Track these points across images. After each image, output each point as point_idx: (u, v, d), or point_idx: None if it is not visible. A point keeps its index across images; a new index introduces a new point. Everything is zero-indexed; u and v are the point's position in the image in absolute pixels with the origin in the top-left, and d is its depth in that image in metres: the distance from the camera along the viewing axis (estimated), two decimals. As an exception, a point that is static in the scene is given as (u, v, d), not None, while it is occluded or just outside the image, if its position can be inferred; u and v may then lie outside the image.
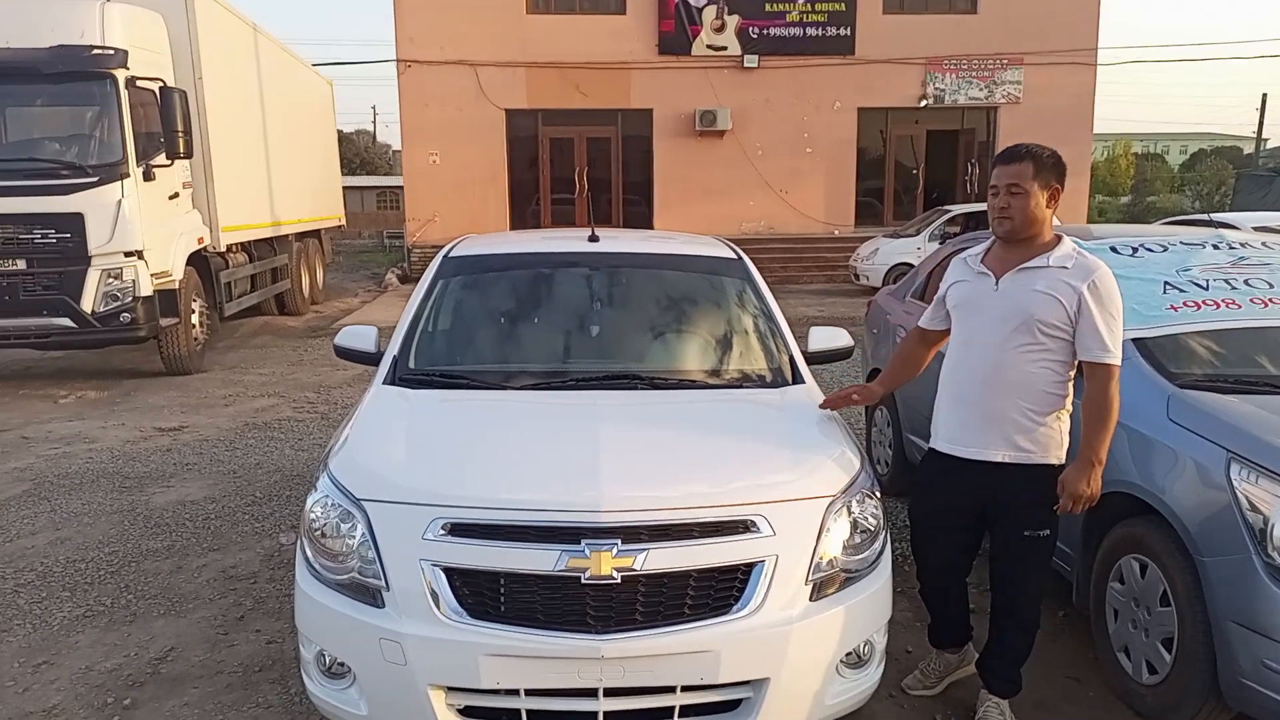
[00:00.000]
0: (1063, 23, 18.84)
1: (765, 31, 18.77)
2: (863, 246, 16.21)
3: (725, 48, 18.74)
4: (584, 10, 18.72)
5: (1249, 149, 42.12)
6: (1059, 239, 2.82)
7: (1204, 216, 6.60)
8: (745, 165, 19.06)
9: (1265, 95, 41.00)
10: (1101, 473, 2.74)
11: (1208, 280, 3.65)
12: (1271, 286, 3.61)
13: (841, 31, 18.83)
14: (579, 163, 19.19)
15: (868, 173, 19.93)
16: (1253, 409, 2.98)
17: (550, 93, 18.54)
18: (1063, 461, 2.85)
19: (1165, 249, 3.86)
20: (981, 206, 13.15)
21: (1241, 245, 3.93)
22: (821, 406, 3.23)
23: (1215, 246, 3.88)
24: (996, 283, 2.83)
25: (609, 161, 19.44)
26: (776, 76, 18.82)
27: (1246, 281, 3.64)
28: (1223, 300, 3.54)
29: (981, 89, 19.34)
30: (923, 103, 19.32)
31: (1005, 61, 19.17)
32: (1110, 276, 2.75)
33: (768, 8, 18.72)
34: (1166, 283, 3.62)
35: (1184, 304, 3.52)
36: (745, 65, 18.75)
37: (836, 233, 19.12)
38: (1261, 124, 39.61)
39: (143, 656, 3.58)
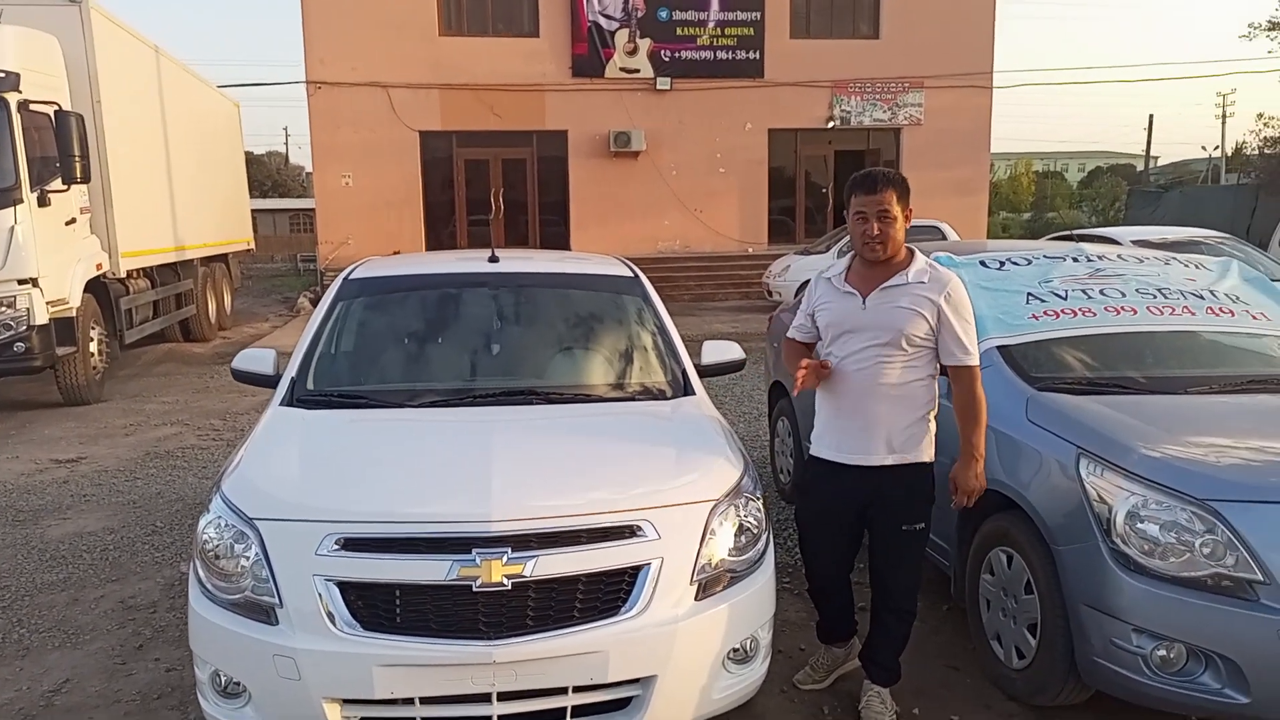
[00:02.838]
0: (960, 48, 19.67)
1: (677, 55, 19.15)
2: (775, 264, 16.57)
3: (638, 70, 19.05)
4: (497, 32, 18.82)
5: (1142, 166, 44.38)
6: (911, 254, 3.04)
7: (1065, 233, 7.07)
8: (660, 185, 19.35)
9: (1151, 116, 43.64)
10: (984, 465, 2.98)
11: (1067, 291, 3.92)
12: (1124, 296, 3.90)
13: (750, 55, 19.33)
14: (494, 184, 19.22)
15: (779, 192, 20.43)
16: (1101, 408, 3.24)
17: (464, 114, 18.55)
18: (933, 459, 3.06)
19: (1030, 262, 4.14)
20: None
21: (1099, 258, 4.23)
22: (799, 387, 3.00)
23: (1075, 260, 4.18)
24: (864, 301, 3.01)
25: (525, 183, 19.51)
26: (689, 98, 19.19)
27: (1102, 291, 3.92)
28: (1080, 309, 3.81)
29: (885, 111, 20.05)
30: (830, 124, 19.93)
31: (907, 85, 19.91)
32: (961, 286, 2.99)
33: (679, 31, 19.11)
34: (1029, 294, 3.89)
35: (1045, 313, 3.79)
36: (658, 87, 19.07)
37: (750, 250, 19.53)
38: (1149, 143, 41.86)
39: (36, 690, 3.51)
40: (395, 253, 17.52)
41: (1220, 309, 3.87)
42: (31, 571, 4.73)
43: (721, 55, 19.28)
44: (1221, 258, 4.54)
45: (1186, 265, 4.26)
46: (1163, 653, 2.79)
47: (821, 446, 3.18)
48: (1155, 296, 3.89)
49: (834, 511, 3.17)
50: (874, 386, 3.00)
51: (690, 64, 19.16)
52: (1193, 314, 3.83)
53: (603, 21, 18.82)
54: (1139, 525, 2.84)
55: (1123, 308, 3.82)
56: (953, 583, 3.71)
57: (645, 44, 18.98)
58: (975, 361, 2.97)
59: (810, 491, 3.30)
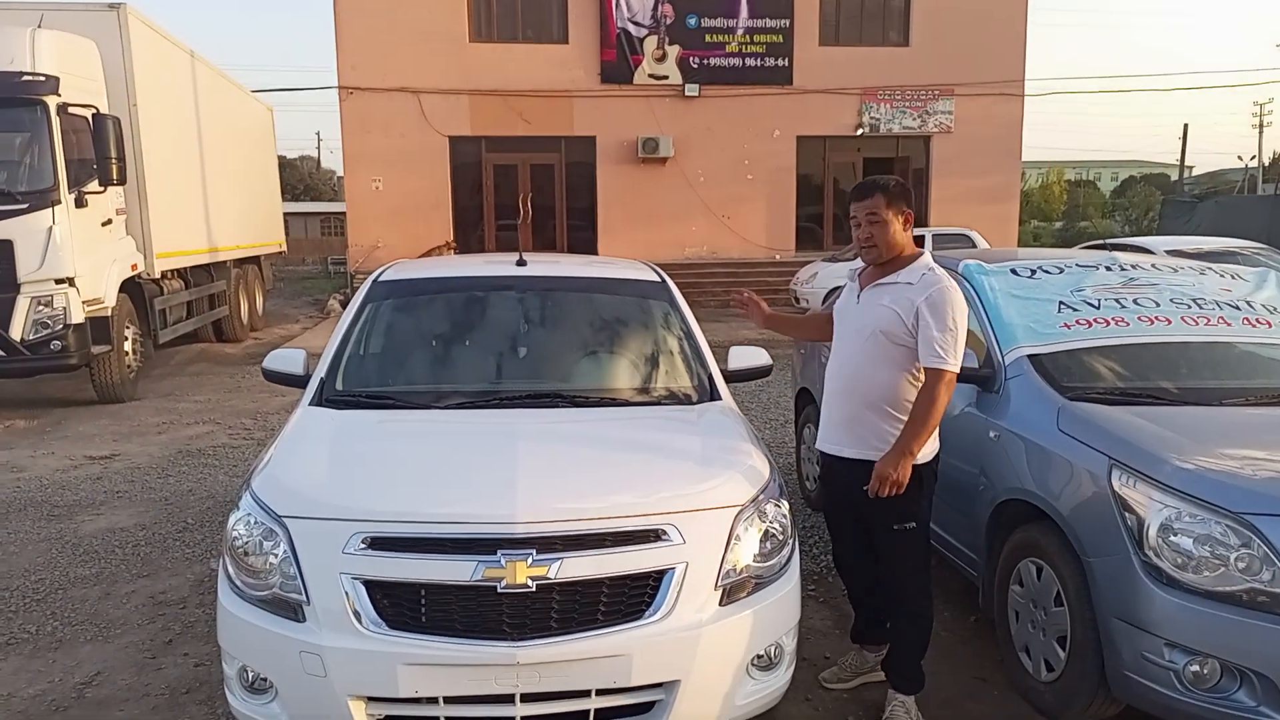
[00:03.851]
0: (991, 55, 19.51)
1: (705, 61, 19.15)
2: (803, 270, 16.49)
3: (667, 77, 19.07)
4: (527, 39, 18.92)
5: (1176, 176, 43.79)
6: (917, 255, 3.05)
7: (1099, 242, 6.98)
8: (688, 191, 19.35)
9: (1186, 126, 42.84)
10: (911, 463, 2.90)
11: (1100, 300, 3.87)
12: (1158, 305, 3.85)
13: (779, 62, 19.30)
14: (523, 189, 19.30)
15: (807, 198, 20.35)
16: (1133, 419, 3.19)
17: (494, 120, 18.66)
18: (921, 459, 2.97)
19: (1061, 271, 4.09)
20: (920, 231, 13.62)
21: (1132, 267, 4.18)
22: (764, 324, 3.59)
23: (1108, 268, 4.13)
24: (859, 296, 3.10)
25: (553, 188, 19.59)
26: (717, 105, 19.19)
27: (1135, 301, 3.88)
28: (1113, 318, 3.76)
29: (915, 118, 19.92)
30: (859, 131, 19.83)
31: (937, 92, 19.78)
32: (949, 291, 2.93)
33: (708, 38, 19.12)
34: (1061, 302, 3.85)
35: (1076, 322, 3.74)
36: (686, 94, 19.09)
37: (778, 257, 19.46)
38: (1184, 153, 41.20)
39: (68, 682, 3.57)
40: (447, 242, 17.77)
41: (1257, 320, 3.81)
42: (65, 566, 4.81)
43: (750, 62, 19.26)
44: (1258, 268, 4.47)
45: (1222, 275, 4.19)
46: (1196, 668, 2.74)
47: (819, 437, 3.28)
48: (1190, 306, 3.84)
49: (833, 501, 3.29)
50: (853, 382, 3.08)
51: (719, 71, 19.15)
52: (1228, 324, 3.77)
53: (632, 28, 18.86)
54: (1172, 538, 2.79)
55: (1156, 317, 3.76)
56: (981, 593, 3.67)
57: (674, 51, 19.01)
58: (945, 367, 2.88)
59: (821, 482, 3.45)
